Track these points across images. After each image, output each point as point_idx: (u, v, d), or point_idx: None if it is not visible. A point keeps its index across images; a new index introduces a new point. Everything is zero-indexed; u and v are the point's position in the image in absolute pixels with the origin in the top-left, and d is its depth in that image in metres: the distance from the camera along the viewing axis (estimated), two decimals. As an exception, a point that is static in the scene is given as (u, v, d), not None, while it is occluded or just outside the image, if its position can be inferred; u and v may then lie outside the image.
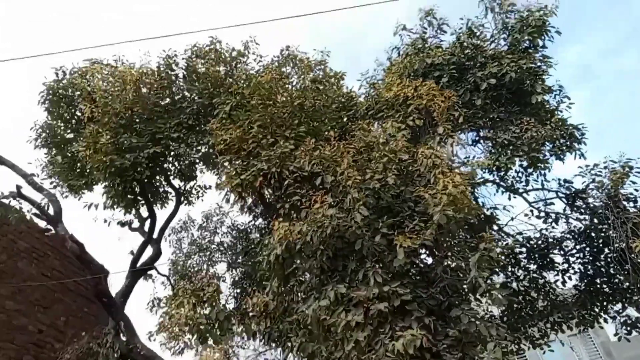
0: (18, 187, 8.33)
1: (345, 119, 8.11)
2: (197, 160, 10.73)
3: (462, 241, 6.01)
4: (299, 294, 6.73)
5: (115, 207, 9.57)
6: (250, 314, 6.60)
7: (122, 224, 9.47)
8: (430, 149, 6.13)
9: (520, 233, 9.00)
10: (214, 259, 14.23)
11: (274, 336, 6.85)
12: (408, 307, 5.41)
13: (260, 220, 11.36)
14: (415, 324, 5.23)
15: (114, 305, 8.23)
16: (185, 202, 11.49)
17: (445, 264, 5.78)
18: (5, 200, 8.49)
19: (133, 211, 9.95)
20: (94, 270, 8.00)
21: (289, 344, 6.39)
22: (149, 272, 10.83)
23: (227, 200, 7.13)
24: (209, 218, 14.58)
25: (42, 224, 9.31)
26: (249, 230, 13.65)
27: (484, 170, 7.43)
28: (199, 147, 9.96)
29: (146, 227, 9.95)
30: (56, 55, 6.62)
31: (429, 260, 6.29)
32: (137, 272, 9.40)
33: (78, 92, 10.35)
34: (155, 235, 10.08)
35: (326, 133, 7.10)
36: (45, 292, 10.25)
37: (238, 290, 11.61)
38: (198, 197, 11.95)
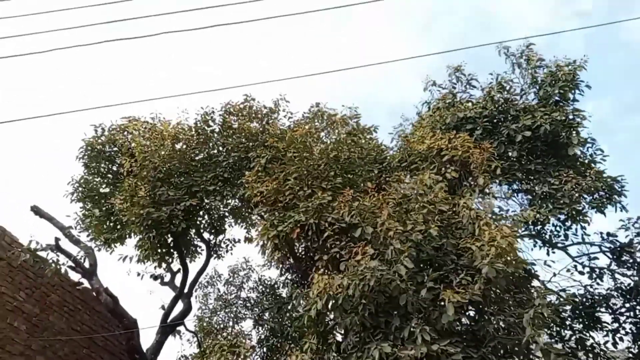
0: (57, 239, 8.47)
1: (377, 172, 8.16)
2: (227, 214, 10.84)
3: (510, 297, 5.77)
4: (338, 353, 6.48)
5: (147, 260, 9.63)
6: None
7: (154, 277, 9.45)
8: (470, 200, 6.07)
9: (564, 290, 8.62)
10: (239, 315, 13.98)
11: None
12: (459, 367, 5.13)
13: (288, 275, 11.23)
14: (468, 386, 4.94)
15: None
16: (215, 255, 11.47)
17: (495, 321, 5.52)
18: (43, 253, 8.60)
19: (164, 265, 9.97)
20: (127, 324, 7.89)
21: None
22: (178, 328, 10.65)
23: (263, 252, 7.06)
24: (236, 272, 14.48)
25: (74, 277, 9.34)
26: (276, 286, 13.47)
27: (522, 224, 7.27)
28: (229, 201, 10.11)
29: (177, 281, 9.90)
30: (94, 111, 6.85)
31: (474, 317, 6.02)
32: (168, 327, 9.23)
33: (116, 148, 10.80)
34: (186, 290, 10.01)
35: (362, 185, 7.13)
36: (75, 347, 10.07)
37: (264, 350, 11.25)
38: (227, 251, 11.94)
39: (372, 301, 5.68)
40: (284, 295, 13.25)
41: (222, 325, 13.91)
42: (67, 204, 10.98)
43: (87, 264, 8.67)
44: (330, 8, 5.23)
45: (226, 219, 11.04)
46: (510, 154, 7.54)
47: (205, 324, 13.37)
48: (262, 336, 12.11)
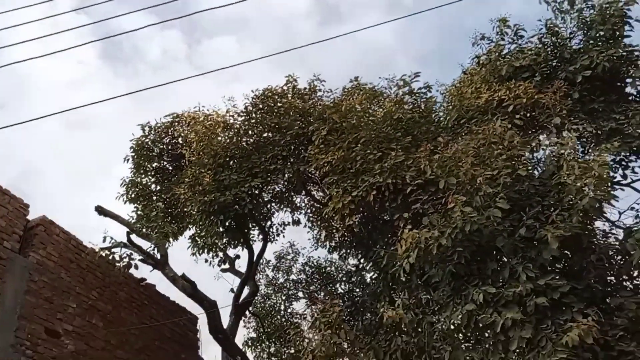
0: (128, 234, 8.67)
1: (435, 129, 8.17)
2: (272, 199, 10.94)
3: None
4: (430, 306, 6.56)
5: (210, 250, 9.78)
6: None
7: (224, 261, 9.60)
8: (549, 140, 6.07)
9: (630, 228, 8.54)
10: (292, 297, 14.19)
11: (412, 352, 6.60)
12: (566, 300, 5.17)
13: (343, 250, 11.32)
14: (579, 316, 4.97)
15: (229, 341, 8.19)
16: (269, 239, 11.60)
17: (593, 252, 5.54)
18: (115, 250, 8.81)
19: (229, 250, 10.13)
20: (207, 307, 8.06)
21: (431, 357, 6.12)
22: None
23: (342, 219, 7.10)
24: (283, 257, 14.64)
25: (146, 269, 9.54)
26: (325, 265, 13.61)
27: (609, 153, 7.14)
28: (275, 187, 10.20)
29: (240, 266, 10.07)
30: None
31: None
32: (240, 309, 9.40)
33: (162, 146, 10.97)
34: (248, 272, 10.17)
35: (428, 143, 7.14)
36: (147, 341, 10.35)
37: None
38: (278, 235, 12.06)
39: (466, 248, 5.74)
40: (332, 271, 13.46)
41: (276, 308, 14.16)
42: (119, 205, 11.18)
43: (158, 256, 8.85)
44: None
45: (271, 204, 11.15)
46: (572, 95, 7.48)
47: (258, 309, 13.60)
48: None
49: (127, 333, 9.87)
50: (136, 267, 9.27)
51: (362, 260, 9.39)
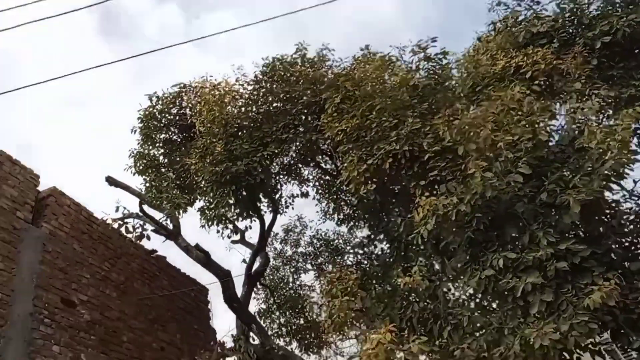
0: (140, 204, 8.65)
1: (450, 95, 8.04)
2: (280, 172, 10.89)
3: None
4: (446, 273, 6.59)
5: (220, 221, 9.76)
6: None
7: (235, 231, 9.61)
8: (569, 105, 5.97)
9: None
10: (300, 269, 14.33)
11: (427, 319, 6.68)
12: (586, 264, 5.18)
13: (348, 224, 11.34)
14: (600, 280, 4.99)
15: (243, 309, 8.28)
16: (280, 212, 11.60)
17: (612, 218, 5.52)
18: (128, 220, 8.81)
19: (240, 220, 10.12)
20: (222, 276, 8.11)
21: (448, 323, 6.18)
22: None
23: (356, 189, 7.06)
24: (291, 230, 14.69)
25: (159, 239, 9.56)
26: (332, 238, 13.68)
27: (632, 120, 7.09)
28: (283, 159, 10.12)
29: (252, 237, 10.09)
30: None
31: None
32: (253, 279, 9.47)
33: (170, 117, 10.83)
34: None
35: (457, 105, 7.00)
36: (161, 311, 10.47)
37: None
38: (287, 207, 12.07)
39: (485, 215, 5.72)
40: (340, 243, 13.54)
41: (285, 280, 14.33)
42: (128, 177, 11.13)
43: (170, 227, 8.86)
44: None
45: (280, 177, 11.11)
46: (591, 61, 7.33)
47: (268, 281, 13.74)
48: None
49: (141, 304, 9.97)
50: (148, 237, 9.29)
51: (374, 230, 9.40)
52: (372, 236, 9.55)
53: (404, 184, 7.02)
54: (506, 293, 5.30)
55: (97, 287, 9.13)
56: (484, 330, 5.57)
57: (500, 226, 5.85)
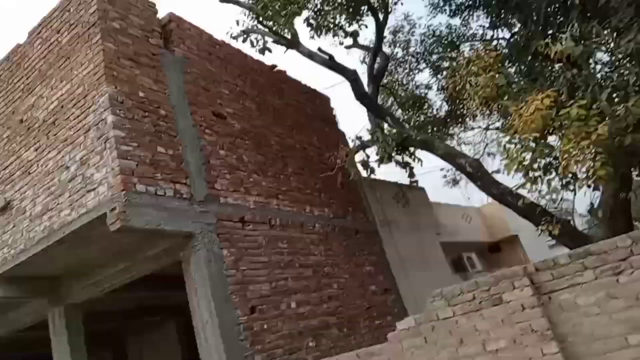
0: (257, 16, 8.58)
1: None
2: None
3: None
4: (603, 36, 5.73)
5: (330, 28, 9.33)
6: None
7: (350, 34, 9.28)
8: None
9: None
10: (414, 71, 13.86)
11: (579, 87, 6.16)
12: None
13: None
14: None
15: (375, 105, 8.48)
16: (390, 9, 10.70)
17: None
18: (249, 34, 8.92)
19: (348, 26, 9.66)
20: (350, 75, 8.17)
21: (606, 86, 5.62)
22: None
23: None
24: (399, 31, 13.79)
25: (280, 50, 9.64)
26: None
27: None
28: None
29: (366, 38, 9.64)
30: None
31: None
32: (377, 77, 9.42)
33: None
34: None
35: None
36: (295, 118, 11.23)
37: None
38: (395, 3, 11.03)
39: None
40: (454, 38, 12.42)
41: (399, 82, 14.12)
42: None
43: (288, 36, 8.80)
44: None
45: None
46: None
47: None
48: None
49: (276, 113, 10.76)
50: (270, 50, 9.43)
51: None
52: (497, 20, 8.47)
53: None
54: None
55: (237, 101, 9.91)
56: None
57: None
